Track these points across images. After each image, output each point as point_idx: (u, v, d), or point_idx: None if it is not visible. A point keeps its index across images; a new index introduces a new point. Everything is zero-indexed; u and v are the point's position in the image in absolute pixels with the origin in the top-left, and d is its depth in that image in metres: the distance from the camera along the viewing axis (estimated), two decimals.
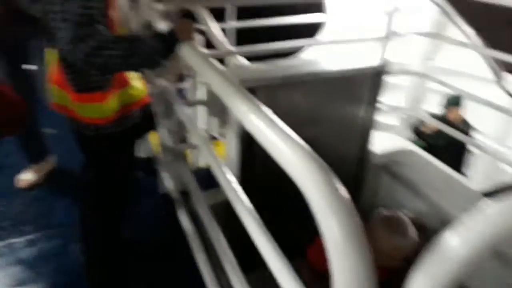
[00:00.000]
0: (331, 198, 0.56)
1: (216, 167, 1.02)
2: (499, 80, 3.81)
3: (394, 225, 1.49)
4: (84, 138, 1.46)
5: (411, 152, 2.49)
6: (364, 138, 2.35)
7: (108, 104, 1.38)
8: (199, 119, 2.65)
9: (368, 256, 0.54)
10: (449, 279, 0.47)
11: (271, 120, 0.69)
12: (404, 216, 1.55)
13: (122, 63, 1.20)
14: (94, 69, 1.28)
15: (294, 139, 0.64)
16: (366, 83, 2.18)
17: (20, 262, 1.85)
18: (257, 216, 0.85)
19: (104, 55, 1.15)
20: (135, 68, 1.35)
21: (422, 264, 0.51)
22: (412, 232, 1.49)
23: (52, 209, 2.20)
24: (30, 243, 1.94)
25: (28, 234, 2.00)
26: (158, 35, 1.26)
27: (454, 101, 3.31)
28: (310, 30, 4.07)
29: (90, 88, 1.35)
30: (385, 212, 1.57)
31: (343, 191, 0.57)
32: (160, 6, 1.56)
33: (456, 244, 0.47)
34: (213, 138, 2.78)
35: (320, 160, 0.60)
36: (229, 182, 0.96)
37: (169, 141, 1.69)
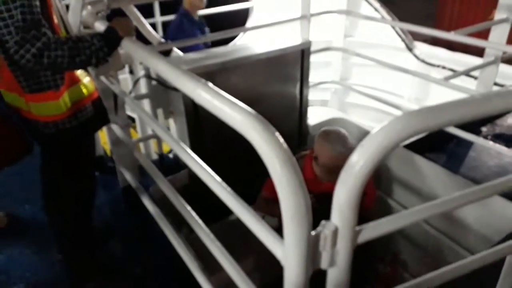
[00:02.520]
0: (272, 145, 0.74)
1: (175, 146, 1.16)
2: (411, 49, 4.25)
3: (333, 136, 1.62)
4: (45, 137, 1.52)
5: (341, 120, 2.79)
6: (301, 113, 2.60)
7: (63, 101, 1.45)
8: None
9: (302, 184, 0.72)
10: (354, 182, 0.68)
11: (215, 92, 0.86)
12: (343, 130, 1.67)
13: (69, 62, 1.28)
14: (43, 69, 1.35)
15: (237, 104, 0.81)
16: (295, 62, 2.41)
17: None
18: (215, 174, 1.01)
19: (51, 56, 1.23)
20: (82, 66, 1.44)
21: (340, 179, 0.71)
22: (352, 143, 1.59)
23: (15, 216, 2.16)
24: None
25: None
26: (100, 34, 1.36)
27: None
28: (240, 19, 4.25)
29: (43, 88, 1.41)
30: (324, 128, 1.71)
31: (280, 138, 0.75)
32: (90, 8, 1.64)
33: (356, 158, 0.68)
34: None
35: (260, 117, 0.78)
36: (189, 155, 1.10)
37: (121, 135, 1.79)
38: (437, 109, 0.68)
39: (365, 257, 1.46)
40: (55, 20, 1.41)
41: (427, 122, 0.67)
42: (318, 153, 1.66)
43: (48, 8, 1.36)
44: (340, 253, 0.75)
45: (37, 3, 1.24)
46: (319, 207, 1.42)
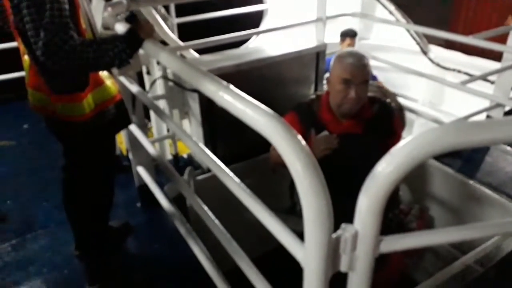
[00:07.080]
0: (294, 148, 0.74)
1: (192, 145, 1.17)
2: (426, 52, 4.22)
3: (346, 53, 1.54)
4: (67, 136, 1.56)
5: None
6: None
7: (87, 102, 1.48)
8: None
9: (324, 187, 0.73)
10: (377, 190, 0.68)
11: (238, 94, 0.87)
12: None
13: (94, 64, 1.31)
14: (69, 71, 1.38)
15: (260, 107, 0.82)
16: (310, 64, 2.41)
17: (8, 265, 1.87)
18: (231, 173, 1.04)
19: (77, 59, 1.25)
20: (106, 68, 1.47)
21: (364, 185, 0.71)
22: (367, 60, 1.51)
23: (34, 213, 2.19)
24: (15, 248, 1.97)
25: (10, 240, 2.01)
26: (122, 36, 1.37)
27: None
28: (254, 21, 4.26)
29: (69, 89, 1.44)
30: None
31: (302, 141, 0.76)
32: (110, 10, 1.67)
33: (383, 165, 0.67)
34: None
35: (282, 119, 0.79)
36: (206, 154, 1.12)
37: (138, 134, 1.81)
38: (476, 126, 0.62)
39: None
40: (83, 23, 1.44)
41: (462, 138, 0.62)
42: (330, 76, 1.59)
43: (76, 11, 1.38)
44: (360, 258, 0.74)
45: (67, 6, 1.27)
46: (341, 148, 1.41)
